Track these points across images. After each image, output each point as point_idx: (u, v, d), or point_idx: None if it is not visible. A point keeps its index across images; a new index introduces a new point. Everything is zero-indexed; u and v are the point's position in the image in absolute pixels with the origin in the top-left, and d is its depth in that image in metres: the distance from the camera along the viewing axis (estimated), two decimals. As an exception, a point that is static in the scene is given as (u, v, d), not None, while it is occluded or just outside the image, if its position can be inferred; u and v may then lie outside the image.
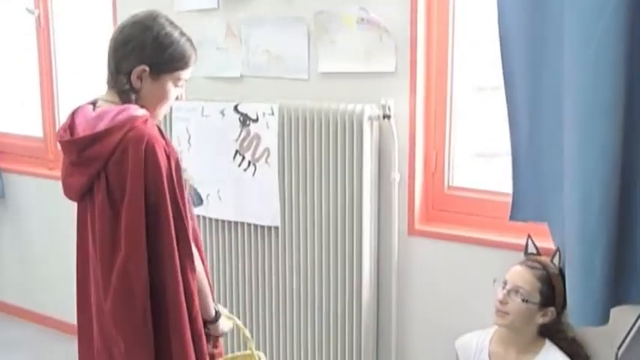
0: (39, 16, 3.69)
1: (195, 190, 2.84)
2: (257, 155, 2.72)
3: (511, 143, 2.23)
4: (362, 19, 2.55)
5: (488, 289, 2.22)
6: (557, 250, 2.18)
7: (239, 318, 2.52)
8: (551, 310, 2.15)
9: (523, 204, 2.24)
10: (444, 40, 2.51)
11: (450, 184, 2.61)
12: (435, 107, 2.55)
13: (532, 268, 2.17)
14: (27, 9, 3.69)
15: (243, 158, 2.75)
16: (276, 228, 2.72)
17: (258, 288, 2.82)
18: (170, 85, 1.85)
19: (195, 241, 1.91)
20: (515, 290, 2.15)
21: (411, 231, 2.58)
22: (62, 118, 3.70)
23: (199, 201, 2.85)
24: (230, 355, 2.24)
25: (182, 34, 1.85)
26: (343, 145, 2.52)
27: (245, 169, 2.75)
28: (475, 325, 2.35)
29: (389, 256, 2.62)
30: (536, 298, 2.13)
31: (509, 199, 2.26)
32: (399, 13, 2.48)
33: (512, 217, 2.27)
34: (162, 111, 1.90)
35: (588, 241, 1.94)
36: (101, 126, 1.75)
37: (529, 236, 2.27)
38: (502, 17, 2.14)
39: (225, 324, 2.01)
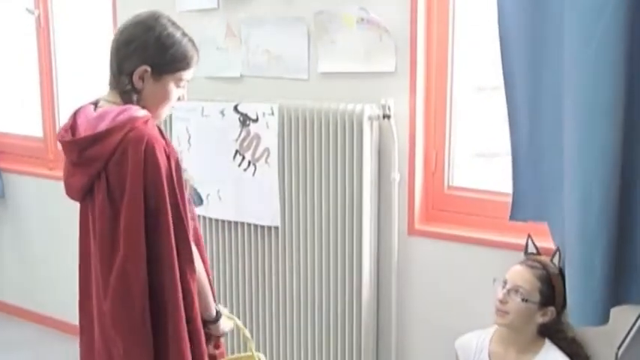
0: (39, 16, 3.69)
1: (195, 190, 2.84)
2: (257, 155, 2.72)
3: (511, 143, 2.23)
4: (362, 19, 2.55)
5: (488, 289, 2.22)
6: (557, 249, 2.18)
7: (239, 318, 2.52)
8: (551, 309, 2.15)
9: (523, 204, 2.24)
10: (444, 40, 2.51)
11: (450, 184, 2.61)
12: (435, 107, 2.55)
13: (532, 267, 2.18)
14: (27, 9, 3.69)
15: (243, 158, 2.76)
16: (276, 228, 2.72)
17: (258, 288, 2.82)
18: (172, 86, 1.85)
19: (196, 242, 1.91)
20: (515, 290, 2.15)
21: (411, 231, 2.58)
22: (62, 118, 3.71)
23: (199, 201, 2.85)
24: (231, 356, 2.24)
25: (184, 34, 1.85)
26: (343, 145, 2.52)
27: (245, 169, 2.76)
28: (475, 325, 2.35)
29: (389, 256, 2.62)
30: (536, 297, 2.14)
31: (509, 199, 2.26)
32: (399, 13, 2.48)
33: (512, 217, 2.27)
34: (164, 111, 1.90)
35: (588, 241, 1.94)
36: (102, 126, 1.76)
37: (529, 236, 2.27)
38: (502, 17, 2.14)
39: (225, 324, 2.01)
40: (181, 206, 1.78)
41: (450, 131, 2.56)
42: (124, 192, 1.73)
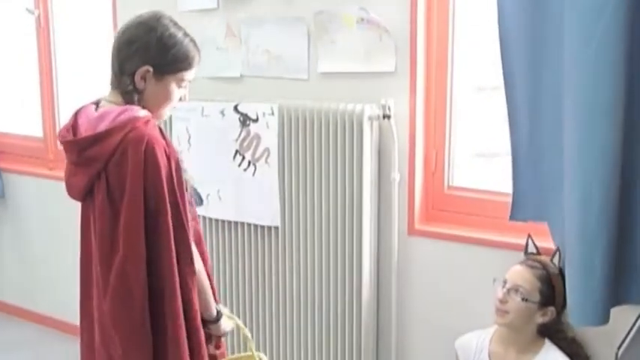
0: (39, 16, 3.69)
1: (195, 190, 2.83)
2: (257, 155, 2.72)
3: (511, 143, 2.23)
4: (362, 19, 2.55)
5: (488, 289, 2.22)
6: (557, 249, 2.18)
7: (239, 318, 2.51)
8: (551, 309, 2.15)
9: (523, 204, 2.24)
10: (443, 39, 2.51)
11: (450, 183, 2.61)
12: (435, 107, 2.55)
13: (532, 267, 2.18)
14: (27, 9, 3.69)
15: (243, 158, 2.76)
16: (276, 228, 2.72)
17: (258, 288, 2.82)
18: (173, 86, 1.85)
19: (198, 242, 1.92)
20: (515, 289, 2.15)
21: (411, 231, 2.58)
22: (62, 118, 3.71)
23: (199, 201, 2.84)
24: (231, 356, 2.24)
25: (186, 34, 1.85)
26: (343, 145, 2.52)
27: (245, 169, 2.76)
28: (475, 325, 2.35)
29: (389, 256, 2.62)
30: (536, 297, 2.14)
31: (509, 199, 2.26)
32: (398, 13, 2.48)
33: (512, 217, 2.27)
34: (166, 111, 1.90)
35: (588, 241, 1.94)
36: (102, 126, 1.76)
37: (529, 236, 2.27)
38: (502, 17, 2.14)
39: (226, 324, 2.01)
40: (181, 207, 1.78)
41: (450, 131, 2.56)
42: (124, 192, 1.73)
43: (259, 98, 2.75)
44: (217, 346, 2.03)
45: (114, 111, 1.77)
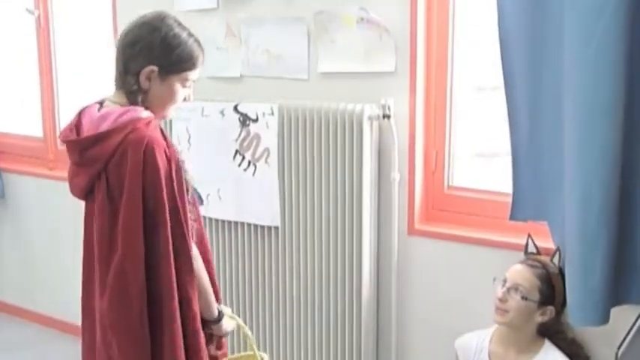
0: (39, 16, 3.69)
1: (195, 190, 2.83)
2: (257, 155, 2.72)
3: (511, 143, 2.23)
4: (362, 19, 2.55)
5: (488, 289, 2.22)
6: (557, 249, 2.18)
7: (239, 318, 2.51)
8: (550, 309, 2.15)
9: (523, 204, 2.24)
10: (443, 39, 2.51)
11: (450, 183, 2.61)
12: (435, 107, 2.55)
13: (532, 266, 2.18)
14: (27, 9, 3.69)
15: (243, 158, 2.76)
16: (276, 228, 2.72)
17: (258, 288, 2.82)
18: (178, 86, 1.85)
19: (201, 243, 1.92)
20: (515, 288, 2.15)
21: (411, 231, 2.58)
22: (62, 118, 3.71)
23: (199, 201, 2.84)
24: (233, 355, 2.24)
25: (190, 34, 1.86)
26: (343, 145, 2.52)
27: (245, 169, 2.76)
28: (475, 325, 2.35)
29: (389, 256, 2.62)
30: (536, 296, 2.14)
31: (509, 199, 2.26)
32: (398, 13, 2.48)
33: (512, 217, 2.27)
34: (170, 111, 1.91)
35: (588, 241, 1.94)
36: (104, 127, 1.76)
37: (529, 236, 2.27)
38: (502, 17, 2.14)
39: (228, 324, 2.00)
40: (180, 209, 1.77)
41: (450, 131, 2.56)
42: (123, 192, 1.73)
43: (259, 98, 2.75)
44: (219, 347, 2.03)
45: (116, 111, 1.77)
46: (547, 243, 2.24)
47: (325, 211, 2.59)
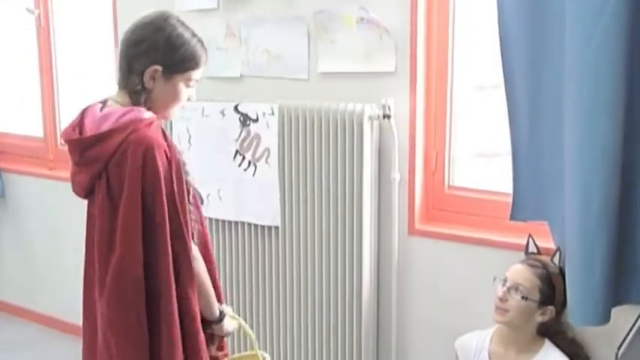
0: (39, 16, 3.69)
1: (196, 190, 2.84)
2: (257, 155, 2.72)
3: (511, 143, 2.23)
4: (362, 19, 2.55)
5: (488, 289, 2.22)
6: (558, 249, 2.18)
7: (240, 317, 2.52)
8: (550, 308, 2.15)
9: (523, 204, 2.24)
10: (444, 39, 2.51)
11: (450, 183, 2.61)
12: (435, 107, 2.55)
13: (532, 266, 2.18)
14: (27, 9, 3.70)
15: (244, 158, 2.76)
16: (276, 228, 2.72)
17: (258, 288, 2.82)
18: (182, 86, 1.86)
19: (203, 243, 1.92)
20: (515, 288, 2.15)
21: (411, 231, 2.58)
22: (62, 118, 3.71)
23: (200, 201, 2.84)
24: (234, 355, 2.24)
25: (193, 34, 1.86)
26: (343, 145, 2.52)
27: (245, 169, 2.76)
28: (475, 325, 2.35)
29: (389, 256, 2.62)
30: (536, 296, 2.14)
31: (510, 199, 2.26)
32: (399, 13, 2.48)
33: (512, 217, 2.27)
34: (174, 111, 1.91)
35: (588, 241, 1.94)
36: (105, 127, 1.76)
37: (530, 236, 2.27)
38: (502, 17, 2.14)
39: (230, 324, 2.00)
40: (180, 210, 1.77)
41: (450, 131, 2.56)
42: (123, 192, 1.73)
43: (259, 98, 2.75)
44: (220, 348, 2.02)
45: (117, 112, 1.77)
46: (547, 243, 2.24)
47: (325, 211, 2.59)
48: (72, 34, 3.71)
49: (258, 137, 2.71)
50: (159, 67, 1.80)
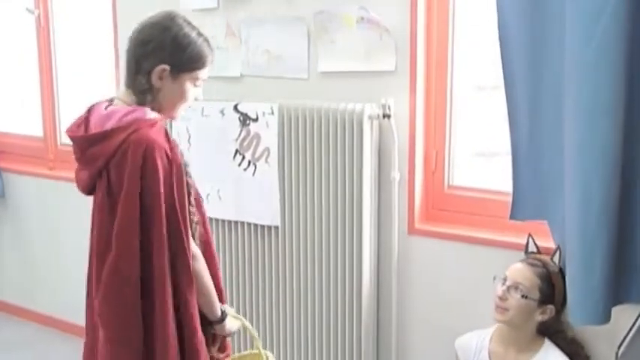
0: (39, 16, 3.69)
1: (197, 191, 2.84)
2: (257, 155, 2.72)
3: (511, 142, 2.23)
4: (362, 19, 2.55)
5: (488, 288, 2.22)
6: (558, 248, 2.19)
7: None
8: (550, 308, 2.15)
9: (523, 203, 2.25)
10: (443, 39, 2.51)
11: (450, 183, 2.61)
12: (435, 106, 2.55)
13: (532, 265, 2.18)
14: (27, 9, 3.70)
15: (243, 158, 2.76)
16: (276, 228, 2.72)
17: (258, 288, 2.82)
18: (189, 85, 1.86)
19: (206, 244, 1.92)
20: (515, 286, 2.15)
21: (411, 230, 2.58)
22: (62, 118, 3.71)
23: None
24: (237, 354, 2.24)
25: (199, 34, 1.86)
26: (343, 145, 2.52)
27: (245, 169, 2.76)
28: (475, 325, 2.35)
29: (389, 256, 2.62)
30: (536, 294, 2.14)
31: (510, 199, 2.26)
32: (398, 13, 2.48)
33: (512, 217, 2.27)
34: (181, 111, 1.91)
35: (588, 241, 1.94)
36: (108, 125, 1.77)
37: (530, 235, 2.27)
38: (502, 17, 2.14)
39: (232, 324, 2.00)
40: (179, 211, 1.77)
41: (450, 130, 2.56)
42: (122, 192, 1.73)
43: (259, 98, 2.75)
44: (223, 349, 2.02)
45: (121, 111, 1.78)
46: (547, 242, 2.24)
47: (325, 211, 2.59)
48: (72, 34, 3.71)
49: (257, 137, 2.71)
50: (166, 67, 1.80)
